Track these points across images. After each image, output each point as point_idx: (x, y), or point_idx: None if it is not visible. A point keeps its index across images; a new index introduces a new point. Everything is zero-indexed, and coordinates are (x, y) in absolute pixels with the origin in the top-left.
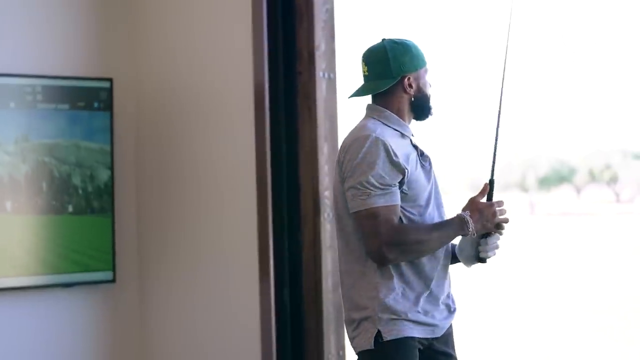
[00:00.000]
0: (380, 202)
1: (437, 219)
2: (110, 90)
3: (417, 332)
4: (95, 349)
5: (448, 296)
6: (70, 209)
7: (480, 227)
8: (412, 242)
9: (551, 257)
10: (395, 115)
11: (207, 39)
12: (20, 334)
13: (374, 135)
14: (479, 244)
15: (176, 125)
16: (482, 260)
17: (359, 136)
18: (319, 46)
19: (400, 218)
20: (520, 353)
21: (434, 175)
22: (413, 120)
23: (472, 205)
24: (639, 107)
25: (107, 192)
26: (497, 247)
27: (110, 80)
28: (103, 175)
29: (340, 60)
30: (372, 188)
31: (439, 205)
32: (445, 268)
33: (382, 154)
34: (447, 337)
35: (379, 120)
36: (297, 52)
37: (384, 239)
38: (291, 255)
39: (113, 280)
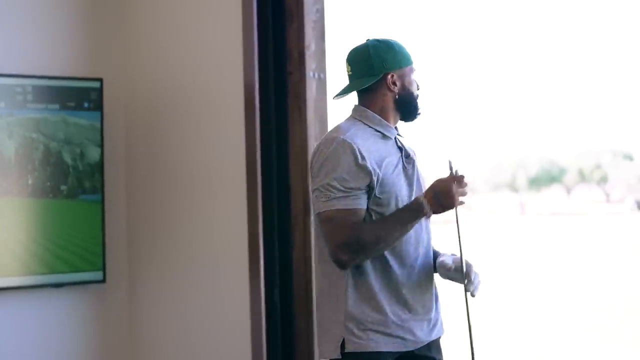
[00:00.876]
0: (339, 204)
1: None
2: (100, 90)
3: (386, 346)
4: (85, 349)
5: (431, 311)
6: (60, 210)
7: (438, 206)
8: (367, 240)
9: (542, 257)
10: (377, 116)
11: (198, 38)
12: (10, 335)
13: (341, 137)
14: (465, 286)
15: (167, 126)
16: (472, 295)
17: (327, 138)
18: (309, 46)
19: (373, 218)
20: (512, 352)
21: (419, 177)
22: (402, 121)
23: (430, 186)
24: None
25: (98, 192)
26: (480, 282)
27: (100, 80)
28: (94, 173)
29: (331, 60)
30: (333, 190)
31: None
32: (425, 281)
33: (348, 156)
34: (431, 342)
35: (360, 121)
36: (288, 52)
37: (336, 241)
38: (281, 255)
39: (103, 281)
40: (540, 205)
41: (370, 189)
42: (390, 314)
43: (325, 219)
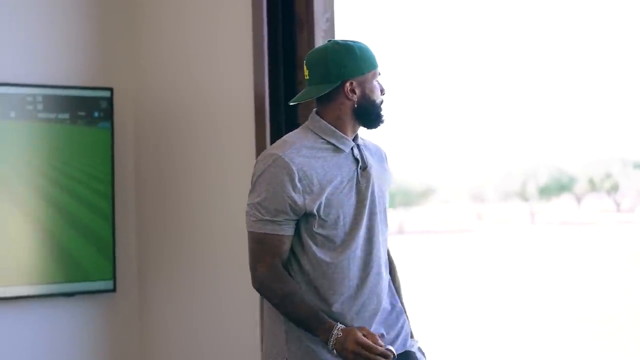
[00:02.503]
0: (266, 228)
1: (361, 243)
2: (110, 100)
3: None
4: (96, 358)
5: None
6: (69, 217)
7: (339, 349)
8: (273, 292)
9: (552, 267)
10: (330, 126)
11: (208, 48)
12: (21, 343)
13: (280, 154)
14: None
15: (177, 135)
16: None
17: (267, 153)
18: None
19: (317, 240)
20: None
21: (375, 191)
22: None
23: (350, 334)
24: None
25: (107, 201)
26: None
27: (110, 89)
28: (103, 183)
29: None
30: (262, 212)
31: (371, 227)
32: (369, 306)
33: (282, 179)
34: None
35: (312, 131)
36: (298, 61)
37: (254, 267)
38: None
39: (113, 290)
40: (550, 214)
41: (307, 215)
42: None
43: (251, 239)
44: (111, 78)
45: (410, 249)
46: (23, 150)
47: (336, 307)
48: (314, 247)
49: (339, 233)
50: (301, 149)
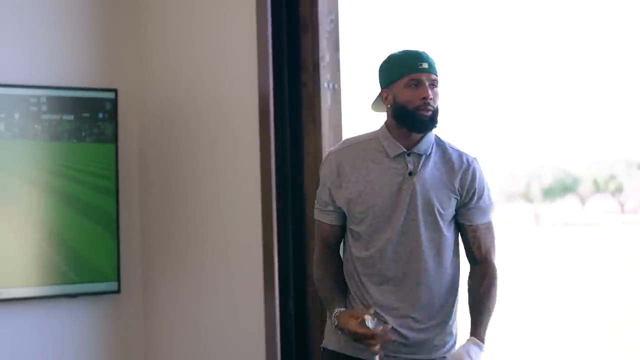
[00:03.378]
0: (317, 215)
1: (392, 244)
2: (115, 101)
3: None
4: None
5: (400, 326)
6: (74, 218)
7: (340, 329)
8: (315, 272)
9: (556, 268)
10: (386, 131)
11: (212, 49)
12: (26, 345)
13: (331, 151)
14: None
15: (181, 136)
16: None
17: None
18: (323, 57)
19: (353, 234)
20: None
21: (418, 199)
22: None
23: (347, 316)
24: None
25: (112, 202)
26: None
27: (115, 90)
28: (108, 184)
29: (345, 71)
30: (318, 201)
31: (406, 232)
32: (404, 297)
33: (328, 171)
34: None
35: (375, 134)
36: (302, 62)
37: (313, 256)
38: (296, 266)
39: (118, 291)
40: (554, 215)
41: (345, 207)
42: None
43: (315, 223)
44: (116, 79)
45: None
46: (26, 151)
47: (372, 295)
48: (350, 240)
49: (367, 230)
50: (351, 148)
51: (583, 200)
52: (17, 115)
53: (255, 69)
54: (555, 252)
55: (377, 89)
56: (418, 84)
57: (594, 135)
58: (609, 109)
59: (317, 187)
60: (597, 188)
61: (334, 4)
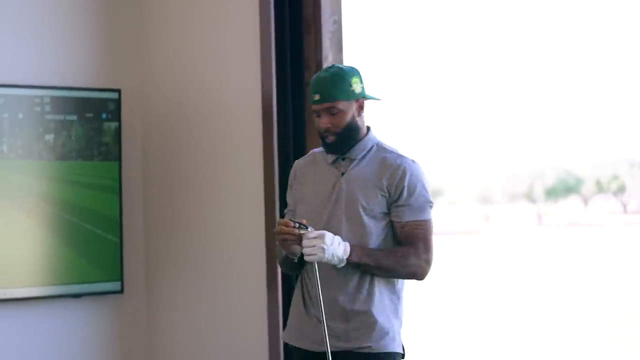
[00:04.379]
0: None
1: None
2: (118, 101)
3: (287, 337)
4: (103, 359)
5: (316, 309)
6: (77, 218)
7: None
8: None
9: (559, 268)
10: None
11: (215, 49)
12: (30, 344)
13: (297, 160)
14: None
15: (184, 136)
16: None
17: None
18: (326, 57)
19: None
20: None
21: (343, 197)
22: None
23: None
24: None
25: (115, 202)
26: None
27: (118, 91)
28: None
29: None
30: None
31: (329, 228)
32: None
33: (290, 177)
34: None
35: None
36: (305, 63)
37: None
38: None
39: (121, 291)
40: (557, 215)
41: (293, 205)
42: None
43: None
44: (119, 79)
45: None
46: (29, 152)
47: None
48: None
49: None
50: (309, 156)
51: (586, 201)
52: (20, 116)
53: (258, 69)
54: (558, 252)
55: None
56: (318, 115)
57: (597, 135)
58: (611, 110)
59: None
60: (600, 188)
61: (337, 4)
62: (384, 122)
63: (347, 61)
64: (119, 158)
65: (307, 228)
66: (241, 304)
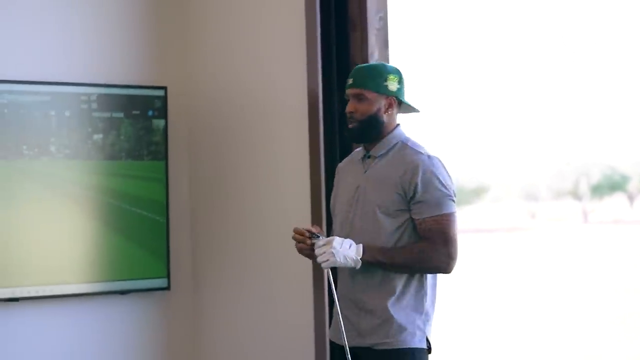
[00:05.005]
0: None
1: (338, 233)
2: (164, 98)
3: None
4: (149, 356)
5: (345, 307)
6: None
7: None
8: None
9: (604, 266)
10: None
11: (261, 47)
12: (76, 341)
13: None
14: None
15: (230, 133)
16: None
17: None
18: (372, 54)
19: None
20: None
21: (359, 194)
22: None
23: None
24: None
25: (162, 199)
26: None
27: (164, 88)
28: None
29: None
30: None
31: (344, 223)
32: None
33: (334, 183)
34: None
35: None
36: (351, 60)
37: None
38: None
39: (168, 288)
40: (602, 213)
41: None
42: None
43: None
44: (165, 77)
45: (462, 247)
46: (76, 149)
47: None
48: None
49: (334, 221)
50: (348, 158)
51: (631, 198)
52: (67, 113)
53: (304, 67)
54: (604, 250)
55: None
56: (348, 99)
57: None
58: None
59: None
60: None
61: (382, 2)
62: (428, 117)
63: (393, 58)
64: (165, 155)
65: (318, 237)
66: (287, 303)
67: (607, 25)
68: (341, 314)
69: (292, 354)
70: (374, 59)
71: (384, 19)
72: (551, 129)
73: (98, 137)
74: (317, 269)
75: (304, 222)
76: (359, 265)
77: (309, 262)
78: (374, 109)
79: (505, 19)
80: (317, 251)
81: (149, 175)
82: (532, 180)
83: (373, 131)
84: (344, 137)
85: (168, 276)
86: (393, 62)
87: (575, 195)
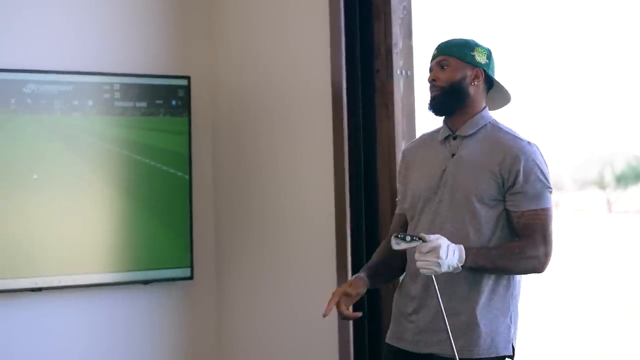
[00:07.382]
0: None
1: (422, 223)
2: (188, 88)
3: (388, 337)
4: (173, 346)
5: (414, 314)
6: (147, 205)
7: None
8: None
9: (629, 255)
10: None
11: (285, 37)
12: (99, 330)
13: (405, 148)
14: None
15: (254, 123)
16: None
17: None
18: (396, 44)
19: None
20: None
21: (449, 180)
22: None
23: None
24: None
25: (185, 189)
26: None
27: (188, 78)
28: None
29: (418, 57)
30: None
31: (430, 211)
32: (407, 282)
33: (399, 170)
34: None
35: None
36: (375, 50)
37: None
38: (368, 254)
39: (191, 277)
40: (627, 202)
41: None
42: (394, 309)
43: None
44: (189, 67)
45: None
46: (99, 139)
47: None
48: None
49: (409, 209)
50: (418, 141)
51: None
52: (90, 102)
53: (328, 56)
54: (628, 240)
55: None
56: (431, 71)
57: None
58: None
59: (389, 177)
60: None
61: None
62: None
63: (417, 48)
64: (189, 146)
65: (420, 240)
66: (311, 296)
67: (634, 14)
68: (404, 316)
69: (316, 348)
70: (398, 48)
71: (407, 9)
72: (575, 120)
73: (119, 130)
74: (341, 261)
75: (328, 215)
76: (457, 271)
77: (332, 252)
78: (458, 76)
79: (529, 8)
80: (417, 256)
81: (173, 163)
82: (556, 170)
83: (457, 102)
84: (367, 126)
85: (191, 266)
86: (416, 52)
87: (600, 185)
